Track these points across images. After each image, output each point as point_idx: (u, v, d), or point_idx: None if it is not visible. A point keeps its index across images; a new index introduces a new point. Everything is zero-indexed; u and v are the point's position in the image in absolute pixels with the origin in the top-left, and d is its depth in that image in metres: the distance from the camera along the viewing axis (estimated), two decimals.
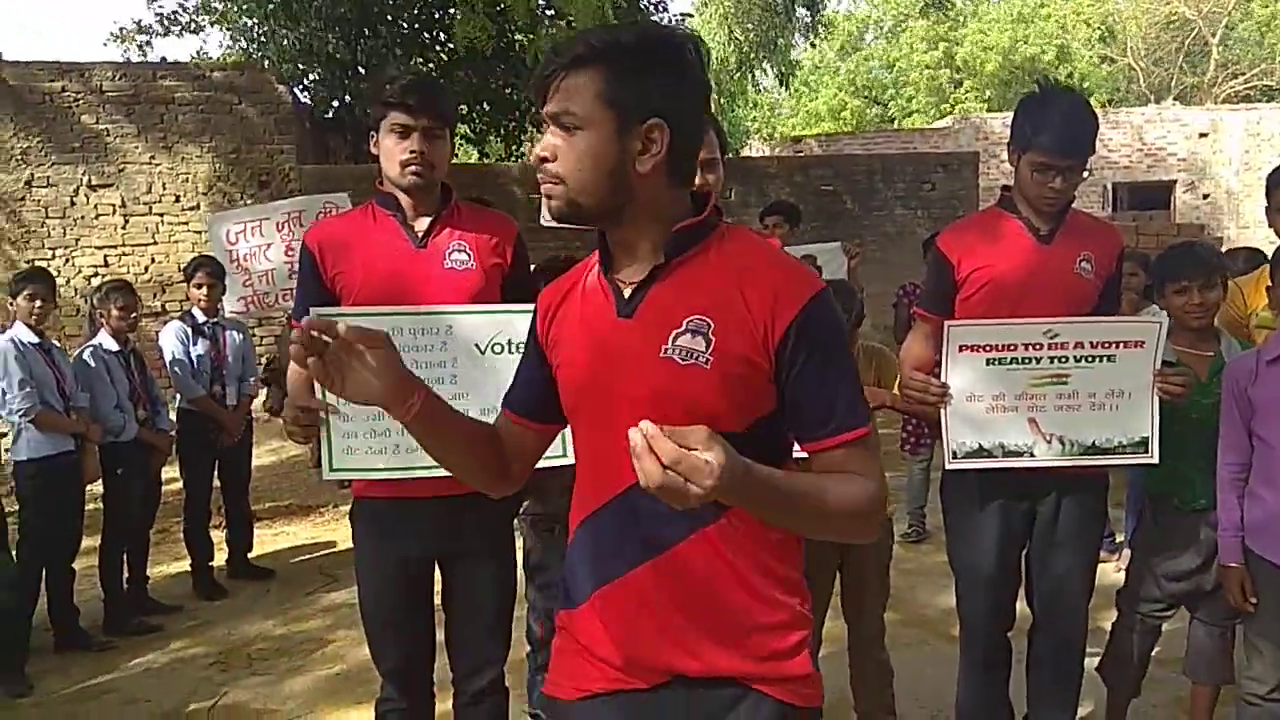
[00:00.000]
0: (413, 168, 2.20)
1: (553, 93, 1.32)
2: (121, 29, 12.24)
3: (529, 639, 2.87)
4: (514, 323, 2.17)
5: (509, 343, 2.16)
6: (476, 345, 2.15)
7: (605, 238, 1.41)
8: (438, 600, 2.41)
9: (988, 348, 2.41)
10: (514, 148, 14.61)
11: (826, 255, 5.27)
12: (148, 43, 12.18)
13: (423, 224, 2.28)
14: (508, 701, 2.50)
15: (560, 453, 2.17)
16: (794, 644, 1.39)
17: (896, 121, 26.02)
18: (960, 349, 2.42)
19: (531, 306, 2.17)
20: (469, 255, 2.28)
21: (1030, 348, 2.41)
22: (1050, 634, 2.66)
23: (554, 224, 4.90)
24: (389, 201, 2.29)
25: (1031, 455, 2.45)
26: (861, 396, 1.36)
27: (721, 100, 15.37)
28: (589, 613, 1.43)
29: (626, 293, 1.37)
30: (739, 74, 15.95)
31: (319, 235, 2.32)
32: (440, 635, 2.41)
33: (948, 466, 2.50)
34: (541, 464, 2.18)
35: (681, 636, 1.36)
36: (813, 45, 18.42)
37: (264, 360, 6.73)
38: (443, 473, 2.11)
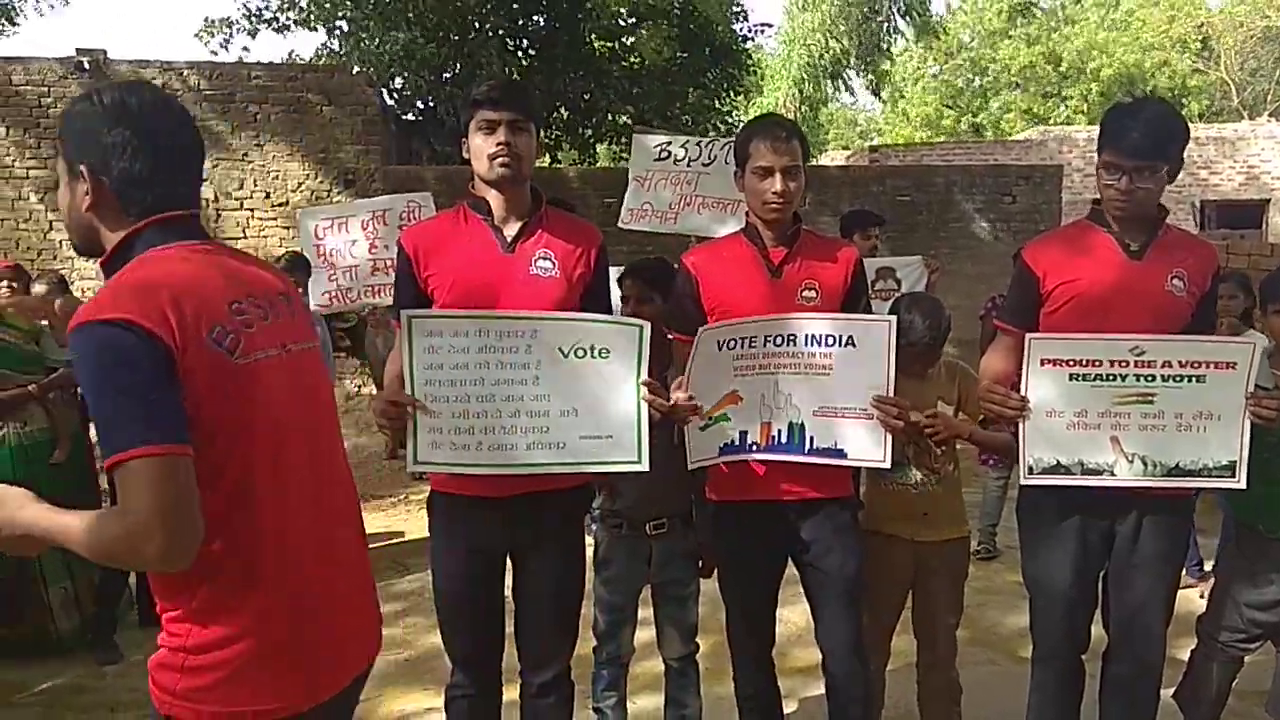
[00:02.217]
0: (501, 159, 2.26)
1: None
2: (210, 21, 12.63)
3: (594, 632, 2.91)
4: (600, 331, 2.23)
5: (591, 348, 2.21)
6: (560, 349, 2.21)
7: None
8: (509, 591, 2.46)
9: (1071, 362, 2.37)
10: (587, 154, 14.75)
11: (906, 269, 5.21)
12: (228, 39, 12.56)
13: (512, 229, 2.34)
14: (573, 694, 2.54)
15: (635, 459, 2.23)
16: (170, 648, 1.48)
17: (995, 130, 25.45)
18: (1042, 363, 2.38)
19: (613, 316, 2.23)
20: (553, 263, 2.33)
21: (1116, 364, 2.36)
22: (1126, 659, 2.59)
23: (630, 228, 4.96)
24: (480, 205, 2.35)
25: (1112, 474, 2.40)
26: (113, 423, 1.34)
27: (803, 109, 15.27)
28: None
29: None
30: (829, 81, 15.81)
31: (414, 237, 2.40)
32: (510, 627, 2.46)
33: (1023, 482, 2.46)
34: (617, 470, 2.26)
35: None
36: (932, 39, 17.88)
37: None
38: (521, 471, 2.20)
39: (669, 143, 6.04)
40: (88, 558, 1.38)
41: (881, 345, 2.34)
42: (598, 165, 15.33)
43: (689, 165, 5.84)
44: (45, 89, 9.20)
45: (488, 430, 2.20)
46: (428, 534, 2.50)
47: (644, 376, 2.21)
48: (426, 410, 2.18)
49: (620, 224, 6.01)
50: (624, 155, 15.09)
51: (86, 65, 9.21)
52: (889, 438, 2.36)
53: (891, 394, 2.34)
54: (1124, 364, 2.35)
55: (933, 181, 10.94)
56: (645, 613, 2.98)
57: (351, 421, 8.91)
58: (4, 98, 9.24)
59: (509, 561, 2.44)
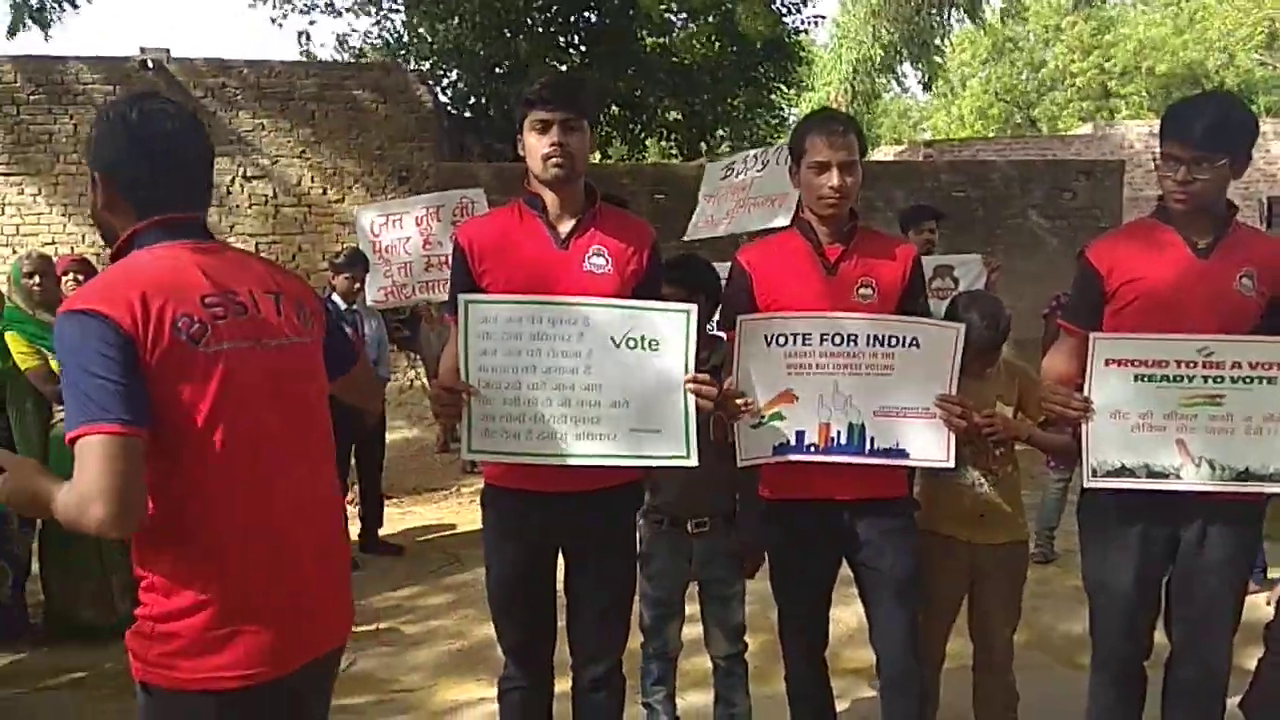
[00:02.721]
0: (554, 160, 2.27)
1: None
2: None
3: (640, 627, 2.92)
4: (649, 319, 2.22)
5: (642, 339, 2.21)
6: (612, 339, 2.21)
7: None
8: (561, 585, 2.48)
9: (1136, 363, 2.32)
10: (637, 150, 14.76)
11: (964, 267, 5.13)
12: (285, 16, 12.79)
13: (566, 225, 2.35)
14: (624, 689, 2.55)
15: (683, 454, 2.23)
16: (140, 616, 1.60)
17: (1050, 126, 24.96)
18: (1106, 363, 2.33)
19: (669, 305, 2.23)
20: (607, 260, 2.34)
21: (1183, 365, 2.30)
22: (1190, 666, 2.53)
23: (691, 238, 4.94)
24: (535, 202, 2.37)
25: (1178, 478, 2.34)
26: (74, 405, 1.47)
27: (855, 103, 15.08)
28: None
29: None
30: (881, 74, 15.59)
31: (470, 233, 2.42)
32: (562, 621, 2.48)
33: (1086, 484, 2.41)
34: (663, 464, 2.26)
35: None
36: (982, 32, 17.48)
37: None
38: (573, 463, 2.22)
39: (734, 161, 6.32)
40: (65, 526, 1.51)
41: (948, 349, 2.32)
42: (647, 161, 15.33)
43: (746, 174, 5.96)
44: (111, 87, 9.46)
45: (538, 419, 2.22)
46: (479, 526, 2.53)
47: (691, 369, 2.21)
48: (479, 397, 2.21)
49: (684, 238, 6.21)
50: (673, 151, 15.09)
51: (150, 64, 9.45)
52: (952, 437, 2.34)
53: (955, 393, 2.31)
54: (1191, 364, 2.30)
55: (988, 177, 10.77)
56: (694, 608, 2.99)
57: (404, 415, 9.04)
58: (72, 96, 9.51)
59: (561, 556, 2.46)
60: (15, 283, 4.22)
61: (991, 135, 22.18)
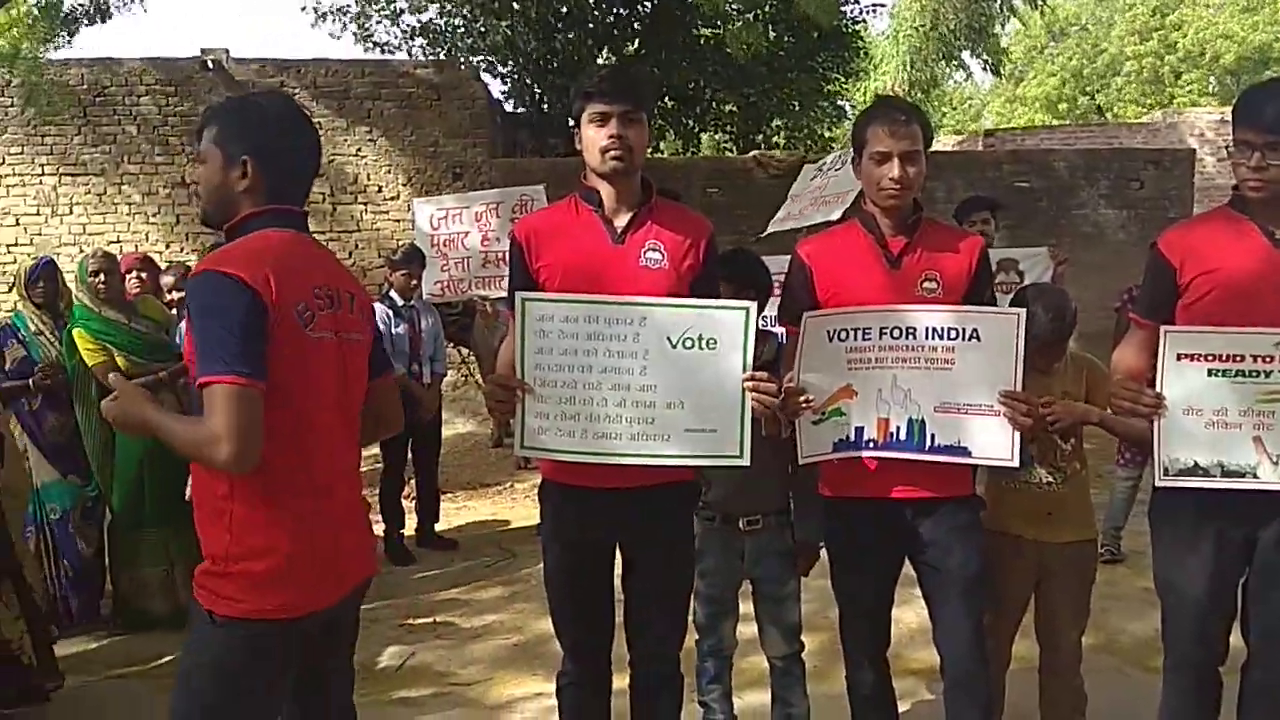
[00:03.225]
0: (612, 153, 2.26)
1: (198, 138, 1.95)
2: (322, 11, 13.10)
3: (694, 625, 2.91)
4: (707, 317, 2.20)
5: (699, 338, 2.19)
6: (668, 339, 2.19)
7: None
8: (620, 581, 2.47)
9: (1210, 357, 2.23)
10: (691, 143, 14.69)
11: (1030, 260, 5.01)
12: (351, 21, 12.97)
13: (622, 219, 2.34)
14: (683, 687, 2.54)
15: (737, 454, 2.20)
16: (205, 559, 1.82)
17: (1113, 114, 24.29)
18: (1179, 357, 2.25)
19: (727, 303, 2.22)
20: (663, 255, 2.32)
21: (1259, 359, 2.21)
22: (1268, 672, 2.43)
23: (766, 233, 4.81)
24: (591, 196, 2.36)
25: (1254, 476, 2.25)
26: (205, 354, 1.69)
27: (914, 92, 14.79)
28: None
29: None
30: (942, 62, 15.27)
31: (526, 227, 2.42)
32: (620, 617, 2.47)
33: (1157, 483, 2.34)
34: (718, 464, 2.25)
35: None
36: (1041, 16, 16.98)
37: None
38: (625, 463, 2.21)
39: (824, 162, 6.32)
40: (179, 453, 1.75)
41: (1010, 340, 2.25)
42: (701, 154, 15.27)
43: (827, 174, 5.94)
44: (173, 88, 9.68)
45: (593, 418, 2.21)
46: (533, 522, 2.53)
47: (749, 367, 2.18)
48: (534, 394, 2.20)
49: (762, 234, 6.26)
50: (728, 145, 14.99)
51: (210, 64, 9.65)
52: (1017, 435, 2.27)
53: (1020, 389, 2.25)
54: (1268, 359, 2.21)
55: (1052, 166, 10.52)
56: (751, 608, 2.96)
57: (458, 410, 9.13)
58: (135, 98, 9.75)
59: (619, 552, 2.45)
60: (81, 281, 4.33)
61: (1056, 124, 21.62)
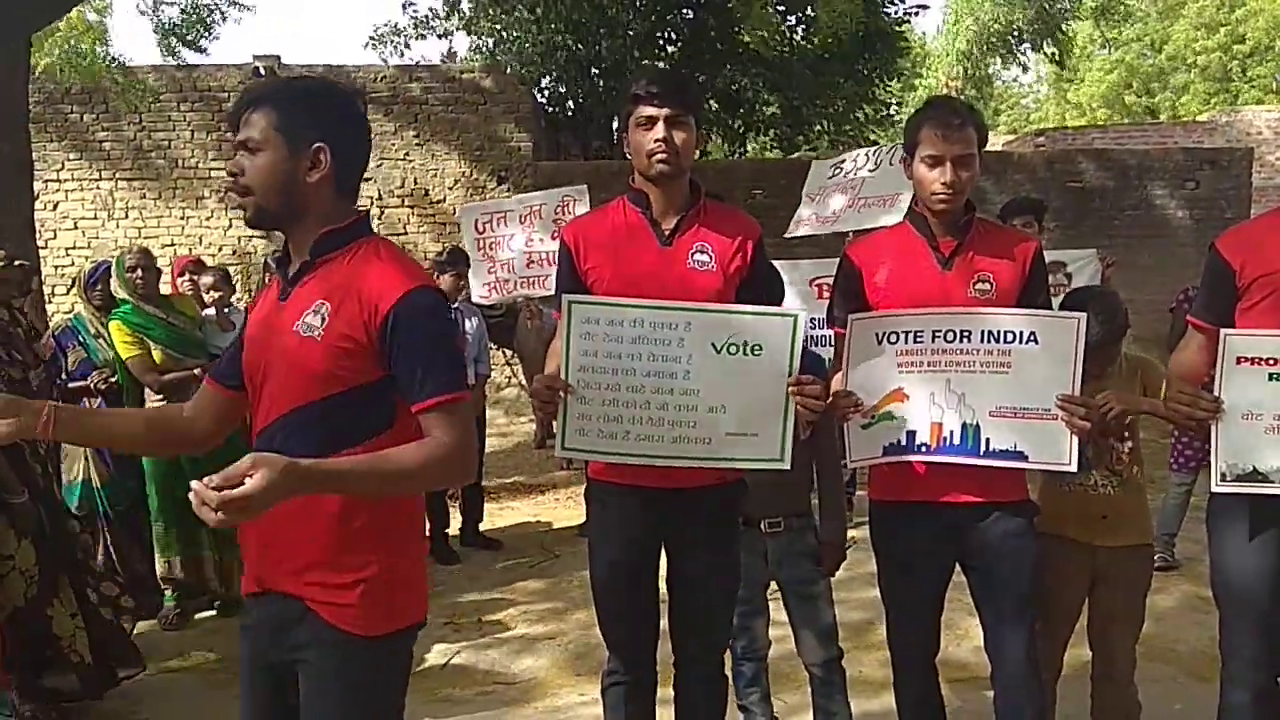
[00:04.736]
0: (659, 156, 2.26)
1: (243, 124, 1.72)
2: (378, 30, 13.29)
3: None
4: (753, 324, 2.20)
5: (744, 344, 2.18)
6: (713, 344, 2.19)
7: (288, 239, 1.79)
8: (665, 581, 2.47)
9: (1271, 361, 2.18)
10: (737, 145, 14.63)
11: (1079, 262, 4.91)
12: (406, 45, 13.15)
13: (670, 222, 2.34)
14: (727, 689, 2.54)
15: (777, 458, 2.19)
16: (345, 582, 1.70)
17: (1171, 112, 23.67)
18: (1239, 361, 2.20)
19: (767, 308, 2.20)
20: (710, 257, 2.31)
21: None
22: None
23: (794, 234, 4.80)
24: (639, 198, 2.36)
25: None
26: (448, 370, 1.68)
27: (967, 89, 14.59)
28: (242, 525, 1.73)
29: (290, 280, 1.77)
30: (998, 59, 15.02)
31: (575, 230, 2.43)
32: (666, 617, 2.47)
33: (1214, 489, 2.28)
34: (757, 468, 2.24)
35: (270, 556, 1.74)
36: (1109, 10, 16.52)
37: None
38: (664, 465, 2.21)
39: (843, 159, 6.18)
40: (397, 489, 1.68)
41: (1069, 343, 2.21)
42: (746, 157, 15.21)
43: (855, 174, 5.84)
44: (226, 94, 9.88)
45: (635, 421, 2.21)
46: (576, 522, 2.54)
47: (795, 372, 2.17)
48: (578, 395, 2.21)
49: (787, 234, 6.12)
50: (773, 146, 14.91)
51: (263, 70, 9.83)
52: (1075, 440, 2.23)
53: (1078, 393, 2.21)
54: None
55: (1106, 166, 10.32)
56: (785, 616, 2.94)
57: (501, 410, 9.20)
58: (190, 102, 9.97)
59: (664, 552, 2.44)
60: (119, 276, 4.44)
61: (1106, 122, 21.14)
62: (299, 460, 1.46)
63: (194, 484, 1.39)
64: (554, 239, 5.62)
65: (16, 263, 3.68)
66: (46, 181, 9.57)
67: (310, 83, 1.79)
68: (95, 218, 10.02)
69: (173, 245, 9.76)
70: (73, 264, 9.46)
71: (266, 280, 5.32)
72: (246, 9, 8.57)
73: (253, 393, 1.80)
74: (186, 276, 5.03)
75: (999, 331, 2.25)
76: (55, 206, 9.91)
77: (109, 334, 4.42)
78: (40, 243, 6.89)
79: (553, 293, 5.88)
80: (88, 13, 9.40)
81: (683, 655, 2.48)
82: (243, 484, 1.39)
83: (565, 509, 6.37)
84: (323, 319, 1.67)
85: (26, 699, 3.36)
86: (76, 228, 10.04)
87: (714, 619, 2.45)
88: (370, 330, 1.65)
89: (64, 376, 4.34)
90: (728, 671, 2.60)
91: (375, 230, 1.84)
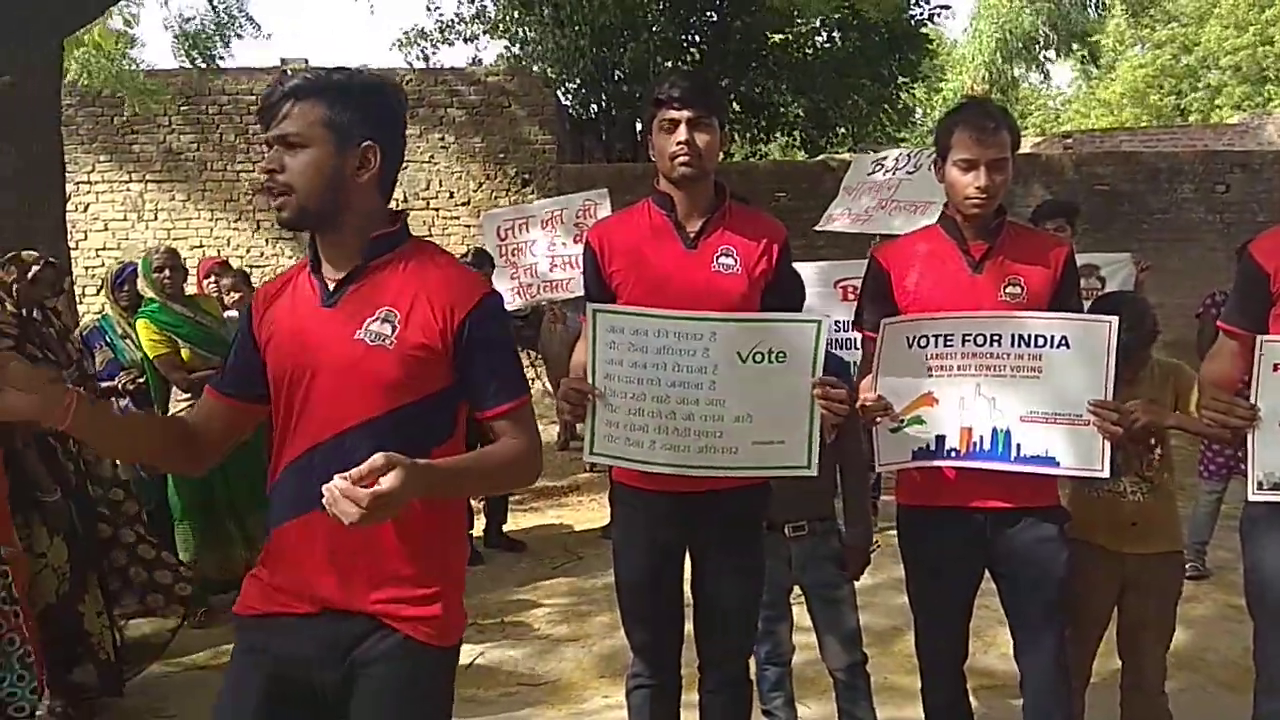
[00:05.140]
0: (681, 159, 2.25)
1: (282, 118, 1.60)
2: (406, 34, 13.37)
3: None
4: (777, 331, 2.18)
5: (769, 352, 2.17)
6: (738, 353, 2.18)
7: (316, 241, 1.69)
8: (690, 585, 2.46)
9: None
10: (760, 147, 14.61)
11: (1112, 266, 4.85)
12: (433, 48, 13.23)
13: (695, 225, 2.33)
14: (751, 694, 2.53)
15: (804, 464, 2.18)
16: (427, 594, 1.66)
17: (1202, 113, 23.33)
18: (1275, 368, 2.16)
19: (790, 314, 2.18)
20: (735, 260, 2.30)
21: None
22: None
23: (824, 229, 4.76)
24: (664, 201, 2.36)
25: None
26: (517, 374, 1.70)
27: (993, 93, 14.48)
28: (276, 545, 1.70)
29: (331, 287, 1.67)
30: (1023, 62, 14.89)
31: (600, 233, 2.43)
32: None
33: (1251, 497, 2.24)
34: (785, 474, 2.23)
35: (342, 574, 1.63)
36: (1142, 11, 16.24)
37: None
38: (693, 474, 2.20)
39: (884, 157, 6.15)
40: (485, 489, 1.64)
41: (1101, 347, 2.19)
42: (769, 159, 15.18)
43: (894, 174, 5.82)
44: (253, 97, 9.96)
45: (661, 430, 2.20)
46: (599, 525, 2.54)
47: (819, 376, 2.15)
48: (605, 402, 2.21)
49: (818, 227, 6.09)
50: (795, 147, 14.87)
51: (289, 74, 9.91)
52: (1107, 446, 2.20)
53: (1111, 399, 2.18)
54: None
55: (1134, 169, 10.21)
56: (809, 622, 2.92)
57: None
58: (219, 106, 10.08)
59: (689, 556, 2.44)
60: (146, 275, 4.49)
61: (1134, 122, 20.85)
62: (418, 460, 1.47)
63: (334, 482, 1.39)
64: (576, 242, 5.64)
65: (49, 262, 3.72)
66: (77, 183, 9.69)
67: (357, 76, 1.67)
68: (125, 219, 10.14)
69: (201, 247, 9.85)
70: (103, 265, 9.57)
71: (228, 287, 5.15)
72: (257, 27, 8.73)
73: (289, 404, 1.68)
74: (212, 278, 5.08)
75: (1030, 335, 2.23)
76: (86, 208, 10.03)
77: (136, 334, 4.46)
78: (71, 244, 6.97)
79: (575, 296, 5.90)
80: (113, 21, 9.52)
81: (707, 659, 2.47)
82: (379, 482, 1.39)
83: (589, 511, 6.36)
84: (393, 326, 1.61)
85: (56, 694, 3.40)
86: (107, 229, 10.16)
87: (738, 623, 2.44)
88: (446, 337, 1.62)
89: (93, 374, 4.39)
90: (752, 676, 2.59)
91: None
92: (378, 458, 1.41)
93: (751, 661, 2.61)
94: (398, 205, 10.22)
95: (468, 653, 4.03)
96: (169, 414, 4.33)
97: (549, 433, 8.73)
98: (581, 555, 5.35)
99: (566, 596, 4.77)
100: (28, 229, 5.27)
